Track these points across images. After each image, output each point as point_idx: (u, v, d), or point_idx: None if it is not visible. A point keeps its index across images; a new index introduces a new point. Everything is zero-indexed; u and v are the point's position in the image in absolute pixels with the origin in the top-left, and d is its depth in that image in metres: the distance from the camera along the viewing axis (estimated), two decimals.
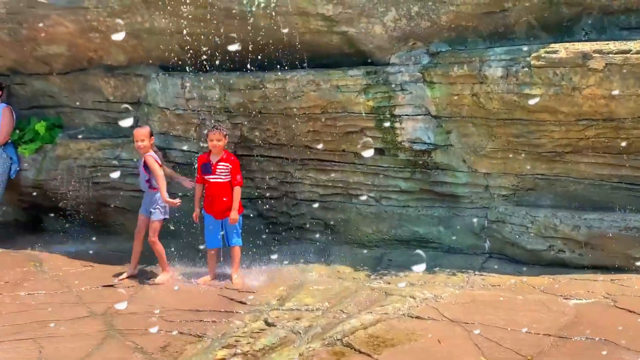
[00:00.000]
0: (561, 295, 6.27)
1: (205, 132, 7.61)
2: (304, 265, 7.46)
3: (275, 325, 5.92)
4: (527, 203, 7.21)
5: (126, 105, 8.51)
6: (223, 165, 7.27)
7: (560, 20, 6.82)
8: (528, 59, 6.59)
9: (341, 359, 5.33)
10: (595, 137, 6.73)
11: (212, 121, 7.85)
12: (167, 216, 7.42)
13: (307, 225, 8.10)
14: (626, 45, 6.34)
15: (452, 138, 7.28)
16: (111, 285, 7.20)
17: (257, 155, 8.10)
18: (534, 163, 7.10)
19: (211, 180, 7.27)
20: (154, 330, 5.95)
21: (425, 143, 7.37)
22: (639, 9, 6.64)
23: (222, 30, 7.52)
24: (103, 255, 8.14)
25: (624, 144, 6.65)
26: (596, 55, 6.36)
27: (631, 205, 6.80)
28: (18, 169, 9.05)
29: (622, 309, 5.92)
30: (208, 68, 7.87)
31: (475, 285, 6.69)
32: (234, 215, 7.19)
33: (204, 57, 7.81)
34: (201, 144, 7.99)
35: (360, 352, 5.39)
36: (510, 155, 7.13)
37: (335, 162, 7.84)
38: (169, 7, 7.64)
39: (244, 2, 7.34)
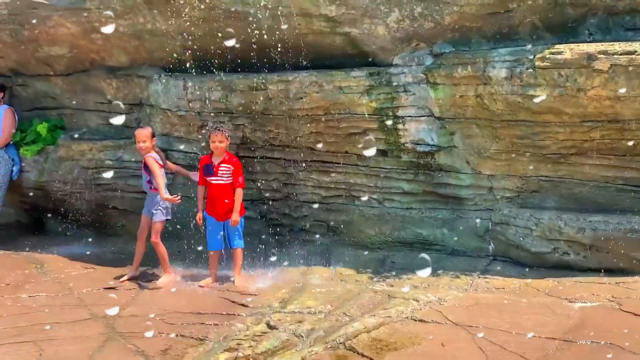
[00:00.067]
0: (566, 298, 6.22)
1: (206, 132, 7.57)
2: (306, 267, 7.42)
3: (277, 328, 5.87)
4: (532, 205, 7.16)
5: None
6: (225, 167, 7.23)
7: (565, 21, 6.79)
8: (532, 60, 6.55)
9: None
10: (600, 138, 6.68)
11: (214, 122, 7.81)
12: (170, 217, 7.38)
13: (310, 227, 8.07)
14: (631, 46, 6.29)
15: (455, 139, 7.24)
16: (113, 288, 7.17)
17: (259, 157, 8.07)
18: (539, 165, 7.05)
19: (213, 181, 7.24)
20: (154, 333, 5.90)
21: (428, 144, 7.33)
22: None
23: (224, 31, 7.48)
24: (105, 257, 8.11)
25: (629, 145, 6.60)
26: (601, 56, 6.32)
27: (636, 208, 6.75)
28: (20, 170, 9.02)
29: (628, 312, 5.86)
30: (210, 69, 7.84)
31: (479, 288, 6.64)
32: (235, 217, 7.16)
33: (206, 58, 7.78)
34: (203, 145, 7.95)
35: (363, 355, 5.34)
36: (515, 157, 7.09)
37: (338, 163, 7.80)
38: (171, 8, 7.61)
39: (247, 3, 7.30)
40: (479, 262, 7.23)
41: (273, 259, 7.56)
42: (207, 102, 7.93)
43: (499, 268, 7.06)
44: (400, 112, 7.32)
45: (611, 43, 6.42)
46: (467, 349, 5.35)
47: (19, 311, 6.55)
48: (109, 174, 8.31)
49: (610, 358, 5.08)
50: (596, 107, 6.49)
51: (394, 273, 7.12)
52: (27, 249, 8.53)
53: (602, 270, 6.70)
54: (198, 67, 7.92)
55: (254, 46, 7.47)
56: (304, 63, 7.51)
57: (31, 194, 9.12)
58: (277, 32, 7.34)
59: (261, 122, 7.83)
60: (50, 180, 8.95)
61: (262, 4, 7.24)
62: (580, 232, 6.76)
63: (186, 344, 5.72)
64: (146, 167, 7.30)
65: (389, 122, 7.35)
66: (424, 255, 7.12)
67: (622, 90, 6.30)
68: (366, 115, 7.42)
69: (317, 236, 8.04)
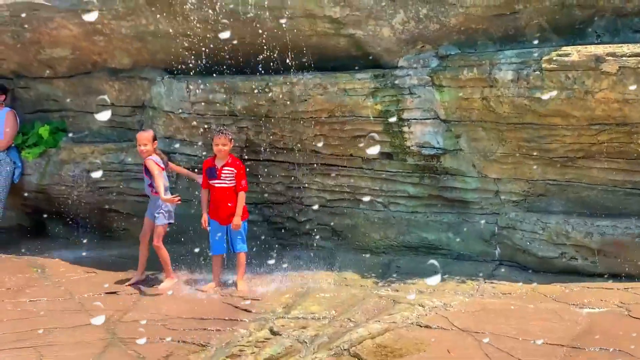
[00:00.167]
0: (574, 304, 6.15)
1: (208, 134, 7.53)
2: (311, 271, 7.34)
3: (280, 334, 5.81)
4: (538, 209, 7.08)
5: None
6: (228, 170, 7.16)
7: (572, 22, 6.73)
8: (539, 62, 6.49)
9: None
10: (609, 141, 6.61)
11: (218, 125, 7.75)
12: (172, 221, 7.32)
13: (314, 231, 8.00)
14: None
15: (461, 142, 7.17)
16: (114, 292, 7.11)
17: (263, 160, 8.01)
18: (545, 168, 6.97)
19: (216, 185, 7.17)
20: (156, 339, 5.85)
21: (434, 147, 7.27)
22: None
23: (227, 33, 7.43)
24: (106, 261, 8.06)
25: (638, 148, 6.52)
26: (609, 58, 6.25)
27: None
28: (21, 173, 8.98)
29: (636, 318, 5.78)
30: (213, 71, 7.78)
31: (486, 293, 6.56)
32: (237, 221, 7.09)
33: (210, 60, 7.73)
34: (206, 148, 7.89)
35: None
36: (521, 160, 7.02)
37: (342, 166, 7.75)
38: (173, 10, 7.56)
39: (249, 4, 7.25)
40: (485, 267, 7.15)
41: (277, 263, 7.49)
42: (211, 104, 7.88)
43: (505, 273, 6.99)
44: (405, 115, 7.26)
45: (619, 45, 6.35)
46: (473, 356, 5.28)
47: (19, 316, 6.50)
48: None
49: None
50: (604, 110, 6.42)
51: (399, 278, 7.05)
52: (28, 252, 8.49)
53: (610, 276, 6.62)
54: (201, 69, 7.86)
55: (257, 48, 7.41)
56: (308, 65, 7.44)
57: (33, 197, 9.09)
58: (281, 34, 7.28)
59: (265, 125, 7.77)
60: (51, 183, 8.91)
61: (265, 5, 7.17)
62: (588, 236, 6.68)
63: (188, 350, 5.67)
64: (147, 171, 7.25)
65: (394, 125, 7.27)
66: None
67: (631, 92, 6.22)
68: (371, 118, 7.35)
69: (322, 240, 7.98)
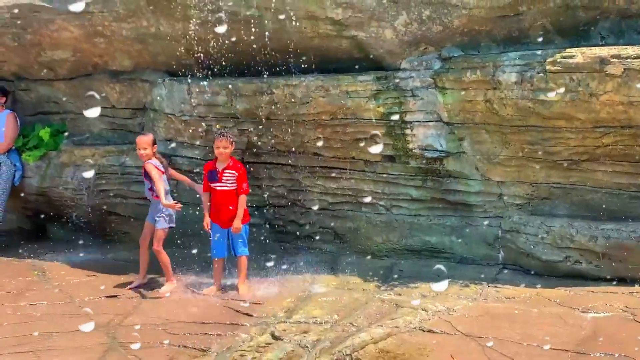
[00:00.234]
0: (578, 309, 6.08)
1: (209, 137, 7.49)
2: (312, 275, 7.29)
3: (282, 339, 5.75)
4: (542, 212, 7.03)
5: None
6: (229, 173, 7.11)
7: (577, 24, 6.69)
8: (543, 64, 6.44)
9: None
10: (613, 144, 6.56)
11: (219, 127, 7.71)
12: (173, 225, 7.27)
13: (316, 234, 7.96)
14: None
15: (464, 145, 7.12)
16: (115, 296, 7.06)
17: (264, 163, 7.97)
18: (549, 171, 6.92)
19: (217, 188, 7.12)
20: (157, 344, 5.80)
21: (437, 150, 7.22)
22: None
23: (229, 35, 7.39)
24: (107, 265, 8.02)
25: None
26: (614, 60, 6.21)
27: None
28: (22, 176, 8.95)
29: None
30: (215, 73, 7.74)
31: (489, 298, 6.50)
32: (237, 224, 7.04)
33: (211, 62, 7.69)
34: (207, 151, 7.85)
35: None
36: (525, 163, 6.98)
37: (344, 169, 7.69)
38: (175, 11, 7.52)
39: (251, 5, 7.21)
40: (488, 271, 7.10)
41: (278, 266, 7.44)
42: (212, 106, 7.84)
43: (509, 277, 6.94)
44: (408, 117, 7.21)
45: (624, 47, 6.31)
46: None
47: (19, 320, 6.46)
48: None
49: None
50: (609, 113, 6.37)
51: (401, 281, 6.99)
52: (29, 255, 8.44)
53: (615, 280, 6.56)
54: (202, 71, 7.81)
55: (259, 50, 7.36)
56: (310, 67, 7.41)
57: (33, 199, 9.06)
58: (283, 36, 7.24)
59: (266, 127, 7.73)
60: (52, 186, 8.88)
61: (267, 7, 7.13)
62: (593, 240, 6.62)
63: (189, 355, 5.63)
64: (147, 175, 7.20)
65: (397, 127, 7.22)
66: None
67: (636, 94, 6.17)
68: (373, 120, 7.31)
69: (323, 243, 7.94)
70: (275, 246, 8.01)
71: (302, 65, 7.41)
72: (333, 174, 7.74)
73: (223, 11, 7.30)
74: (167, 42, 7.85)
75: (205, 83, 7.79)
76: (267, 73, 7.52)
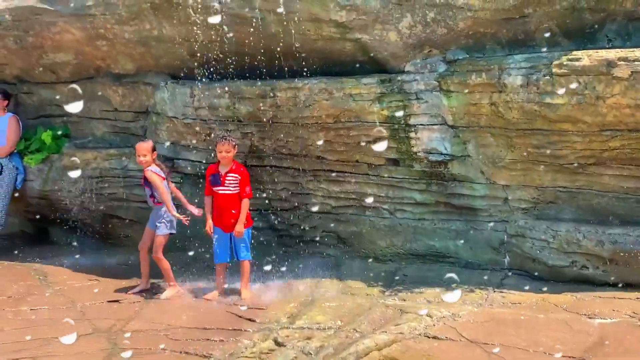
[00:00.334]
0: (585, 314, 6.02)
1: (212, 140, 7.44)
2: (316, 280, 7.23)
3: (285, 345, 5.68)
4: (548, 217, 6.96)
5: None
6: (232, 177, 7.06)
7: (583, 26, 6.62)
8: (549, 66, 6.38)
9: None
10: (620, 148, 6.48)
11: (222, 131, 7.65)
12: (174, 231, 7.22)
13: (319, 238, 7.90)
14: None
15: (469, 149, 7.06)
16: (116, 301, 7.01)
17: (267, 166, 7.92)
18: (555, 175, 6.85)
19: (220, 192, 7.06)
20: (158, 349, 5.73)
21: (441, 154, 7.16)
22: None
23: (232, 37, 7.33)
24: (109, 269, 7.96)
25: None
26: (621, 63, 6.14)
27: None
28: (24, 179, 8.91)
29: None
30: (217, 76, 7.70)
31: (495, 303, 6.43)
32: (239, 228, 6.98)
33: (214, 64, 7.64)
34: (210, 154, 7.80)
35: None
36: (531, 167, 6.91)
37: (348, 173, 7.64)
38: (177, 14, 7.47)
39: (255, 8, 7.15)
40: (494, 276, 7.02)
41: (281, 271, 7.39)
42: (215, 109, 7.78)
43: (514, 282, 6.87)
44: (412, 120, 7.15)
45: (631, 49, 6.24)
46: None
47: (20, 325, 6.39)
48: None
49: None
50: (616, 116, 6.30)
51: (406, 287, 6.92)
52: (30, 259, 8.38)
53: (623, 285, 6.49)
54: (205, 74, 7.77)
55: (262, 52, 7.32)
56: (314, 70, 7.35)
57: (35, 203, 9.02)
58: (286, 38, 7.19)
59: (270, 131, 7.68)
60: (54, 189, 8.83)
61: (270, 9, 7.08)
62: (599, 245, 6.55)
63: None
64: (147, 182, 7.15)
65: (401, 131, 7.16)
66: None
67: None
68: (377, 124, 7.24)
69: (327, 247, 7.88)
70: (278, 250, 7.94)
71: (306, 68, 7.36)
72: (337, 178, 7.67)
73: (226, 14, 7.24)
74: (170, 45, 7.81)
75: (208, 86, 7.74)
76: (270, 76, 7.47)
